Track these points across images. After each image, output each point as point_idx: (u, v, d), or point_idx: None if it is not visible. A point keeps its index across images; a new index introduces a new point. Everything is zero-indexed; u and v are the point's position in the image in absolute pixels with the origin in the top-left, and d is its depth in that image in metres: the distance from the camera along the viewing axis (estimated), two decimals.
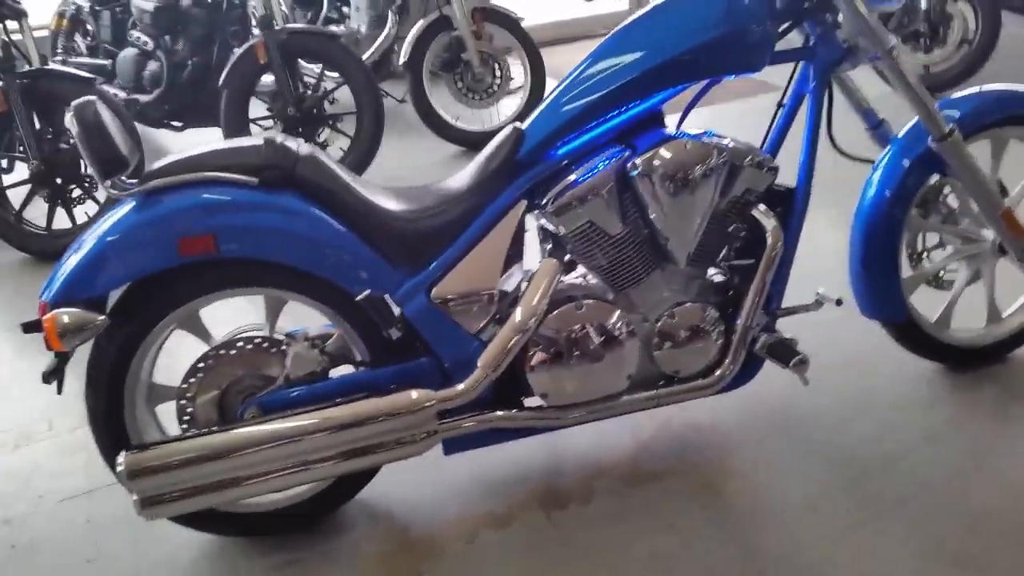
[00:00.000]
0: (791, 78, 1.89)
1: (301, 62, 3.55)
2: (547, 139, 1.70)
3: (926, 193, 2.02)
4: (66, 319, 1.46)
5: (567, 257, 1.76)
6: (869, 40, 1.76)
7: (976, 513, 1.76)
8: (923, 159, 1.92)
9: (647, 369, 1.79)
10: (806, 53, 1.83)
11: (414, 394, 1.61)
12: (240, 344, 1.64)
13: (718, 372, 1.81)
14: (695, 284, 1.82)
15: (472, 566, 1.73)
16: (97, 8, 3.94)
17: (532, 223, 1.78)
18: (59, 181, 3.11)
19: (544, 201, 1.68)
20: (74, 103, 1.51)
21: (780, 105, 1.91)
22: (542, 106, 1.74)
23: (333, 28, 4.10)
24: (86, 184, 3.17)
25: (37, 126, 3.06)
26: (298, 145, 1.63)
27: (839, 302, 1.86)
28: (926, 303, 2.11)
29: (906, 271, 2.08)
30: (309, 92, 3.47)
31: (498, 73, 3.83)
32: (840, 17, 1.78)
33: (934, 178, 1.98)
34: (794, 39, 1.87)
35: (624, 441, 2.02)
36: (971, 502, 1.78)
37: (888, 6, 1.89)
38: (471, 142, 3.83)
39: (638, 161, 1.65)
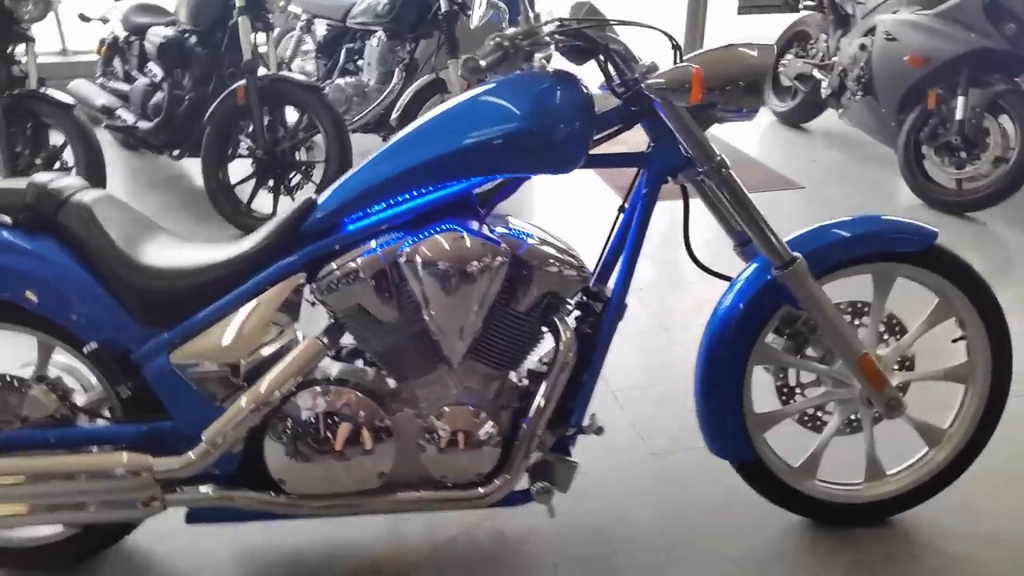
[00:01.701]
0: (632, 182, 1.74)
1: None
2: (335, 212, 1.60)
3: (785, 323, 1.81)
4: None
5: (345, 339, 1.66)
6: (693, 151, 1.60)
7: None
8: (772, 287, 1.71)
9: (413, 470, 1.65)
10: (638, 159, 1.68)
11: (125, 457, 1.53)
12: None
13: (494, 483, 1.65)
14: (493, 386, 1.67)
15: None
16: (130, 39, 4.18)
17: None
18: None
19: (318, 277, 1.60)
20: None
21: (621, 210, 1.76)
22: (341, 178, 1.67)
23: (346, 80, 4.19)
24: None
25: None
26: (73, 191, 1.61)
27: (599, 431, 1.68)
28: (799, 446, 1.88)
29: (772, 404, 1.87)
30: (284, 137, 3.53)
31: None
32: None
33: (783, 309, 1.76)
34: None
35: (412, 539, 1.87)
36: None
37: (737, 118, 1.71)
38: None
39: (405, 249, 1.54)
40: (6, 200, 1.57)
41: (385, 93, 4.06)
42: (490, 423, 1.61)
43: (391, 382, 1.64)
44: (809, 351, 1.85)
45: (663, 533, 1.90)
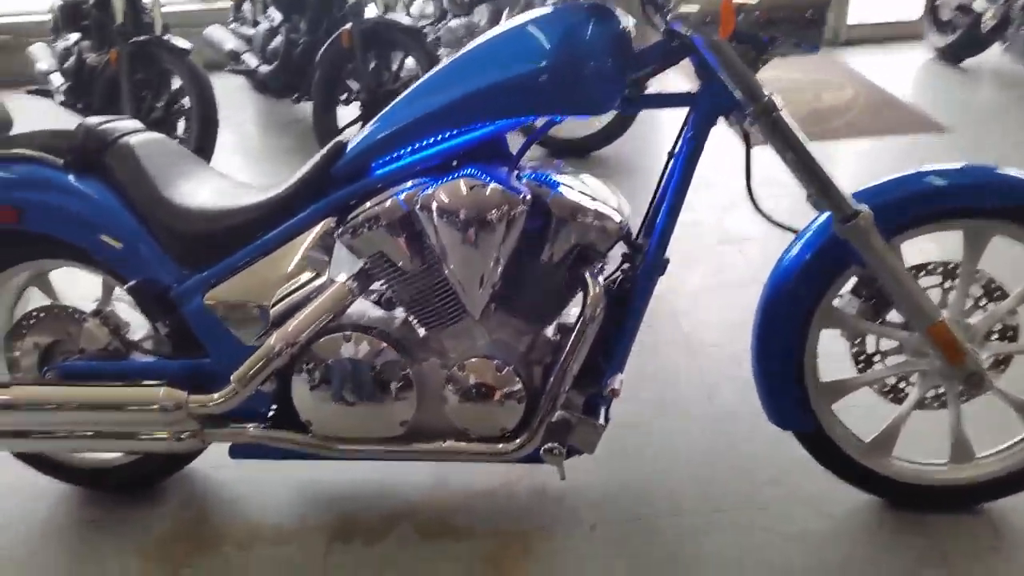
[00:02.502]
0: (683, 125, 1.59)
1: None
2: (363, 155, 1.58)
3: (864, 284, 1.61)
4: None
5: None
6: (737, 90, 1.43)
7: None
8: (839, 242, 1.53)
9: (437, 420, 1.62)
10: (687, 99, 1.54)
11: (162, 392, 1.60)
12: (45, 311, 1.74)
13: (518, 440, 1.59)
14: (524, 340, 1.61)
15: (228, 574, 1.70)
16: None
17: None
18: None
19: (345, 222, 1.58)
20: None
21: (670, 155, 1.63)
22: (372, 121, 1.63)
23: (459, 20, 4.13)
24: None
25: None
26: (122, 133, 1.67)
27: (612, 394, 1.57)
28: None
29: (849, 372, 1.69)
30: (388, 80, 3.54)
31: None
32: None
33: (854, 268, 1.57)
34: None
35: (453, 488, 1.86)
36: None
37: (797, 52, 1.51)
38: (569, 149, 3.69)
39: (420, 195, 1.49)
40: (58, 142, 1.65)
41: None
42: (515, 378, 1.55)
43: (420, 331, 1.61)
44: (893, 315, 1.65)
45: (708, 498, 1.79)
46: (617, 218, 1.51)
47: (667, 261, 1.59)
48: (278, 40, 3.94)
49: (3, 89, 5.49)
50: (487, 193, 1.45)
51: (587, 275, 1.53)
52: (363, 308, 1.67)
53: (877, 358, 1.69)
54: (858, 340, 1.68)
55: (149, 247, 1.63)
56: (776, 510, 1.75)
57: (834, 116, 3.97)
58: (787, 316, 1.60)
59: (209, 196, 1.67)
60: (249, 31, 4.37)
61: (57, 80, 3.89)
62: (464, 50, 1.56)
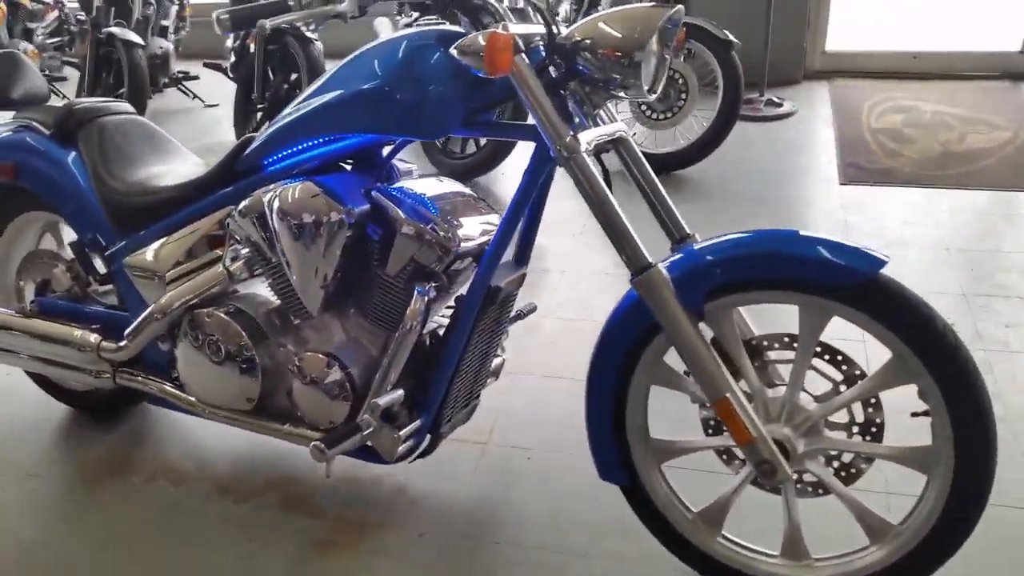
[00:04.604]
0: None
1: None
2: (258, 152, 1.76)
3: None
4: None
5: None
6: (540, 128, 1.42)
7: None
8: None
9: (281, 402, 1.77)
10: (530, 131, 1.53)
11: (77, 332, 1.91)
12: (33, 256, 2.11)
13: (329, 433, 1.69)
14: (374, 343, 1.70)
15: (117, 502, 1.96)
16: None
17: None
18: None
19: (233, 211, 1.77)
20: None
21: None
22: (272, 121, 1.80)
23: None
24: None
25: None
26: (102, 114, 1.98)
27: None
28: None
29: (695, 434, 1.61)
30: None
31: (682, 92, 3.52)
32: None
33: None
34: None
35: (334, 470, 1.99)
36: None
37: (627, 95, 1.44)
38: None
39: (269, 195, 1.63)
40: (49, 116, 2.00)
41: None
42: (340, 375, 1.65)
43: (282, 319, 1.76)
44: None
45: (541, 535, 1.77)
46: (452, 240, 1.56)
47: (506, 295, 1.61)
48: None
49: (196, 59, 6.35)
50: (313, 201, 1.57)
51: (416, 289, 1.59)
52: (257, 292, 1.85)
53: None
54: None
55: (95, 211, 1.92)
56: (600, 564, 1.70)
57: (966, 161, 3.51)
58: (607, 365, 1.55)
59: (148, 174, 1.94)
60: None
61: (229, 57, 4.50)
62: (344, 60, 1.67)
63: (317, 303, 1.64)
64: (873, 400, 1.45)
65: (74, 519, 1.91)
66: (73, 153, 1.97)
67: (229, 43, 4.69)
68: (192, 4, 6.24)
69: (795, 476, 1.48)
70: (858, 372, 1.45)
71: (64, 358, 1.95)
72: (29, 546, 1.83)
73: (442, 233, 1.56)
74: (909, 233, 3.19)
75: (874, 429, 1.46)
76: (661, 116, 3.65)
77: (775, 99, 4.87)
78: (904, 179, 3.62)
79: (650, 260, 1.39)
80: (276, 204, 1.60)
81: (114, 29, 4.63)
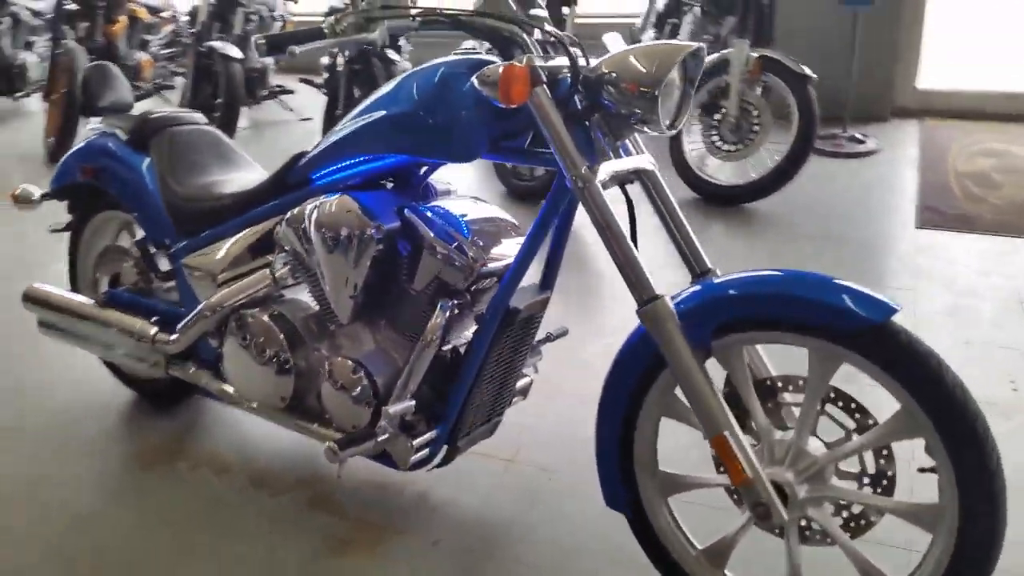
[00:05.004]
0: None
1: None
2: (306, 167, 1.87)
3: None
4: (19, 191, 2.30)
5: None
6: (557, 157, 1.46)
7: None
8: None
9: (312, 404, 1.85)
10: (551, 158, 1.58)
11: (138, 324, 2.05)
12: (107, 250, 2.28)
13: (353, 436, 1.76)
14: (401, 353, 1.78)
15: (164, 487, 2.08)
16: None
17: None
18: None
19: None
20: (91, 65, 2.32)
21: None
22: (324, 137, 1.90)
23: None
24: None
25: None
26: (174, 123, 2.14)
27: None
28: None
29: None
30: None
31: (755, 124, 3.50)
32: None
33: None
34: None
35: (357, 471, 2.06)
36: None
37: (649, 128, 1.46)
38: (718, 196, 3.61)
39: (303, 206, 1.73)
40: (126, 123, 2.17)
41: None
42: (364, 383, 1.73)
43: (318, 324, 1.86)
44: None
45: (560, 556, 1.79)
46: (476, 261, 1.62)
47: (527, 317, 1.65)
48: None
49: (293, 74, 6.64)
50: (346, 216, 1.66)
51: (439, 304, 1.66)
52: (301, 298, 1.96)
53: None
54: None
55: (160, 212, 2.08)
56: None
57: None
58: (617, 394, 1.57)
59: (210, 181, 2.08)
60: None
61: (323, 73, 4.73)
62: (389, 83, 1.76)
63: (347, 311, 1.73)
64: (885, 451, 1.42)
65: (122, 500, 2.04)
66: (146, 159, 2.12)
67: (324, 60, 4.91)
68: (294, 21, 6.55)
69: (799, 521, 1.47)
70: (871, 422, 1.43)
71: (125, 347, 2.10)
72: (78, 522, 1.97)
73: (469, 254, 1.62)
74: (983, 283, 3.06)
75: (885, 481, 1.44)
76: (732, 148, 3.62)
77: (859, 136, 4.75)
78: (985, 226, 3.48)
79: (656, 292, 1.41)
80: (315, 216, 1.69)
81: (215, 43, 4.95)
